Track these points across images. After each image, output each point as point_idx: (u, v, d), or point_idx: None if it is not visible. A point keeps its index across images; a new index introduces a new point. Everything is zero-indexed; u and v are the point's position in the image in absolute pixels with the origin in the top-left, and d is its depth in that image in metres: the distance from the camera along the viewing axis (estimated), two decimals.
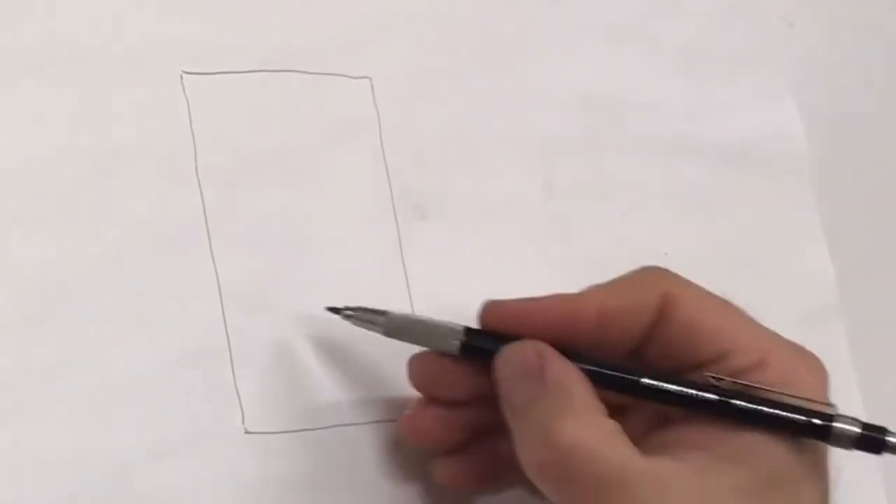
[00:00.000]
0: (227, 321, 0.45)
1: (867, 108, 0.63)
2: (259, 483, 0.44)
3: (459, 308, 0.44)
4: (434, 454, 0.46)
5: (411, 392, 0.46)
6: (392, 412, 0.47)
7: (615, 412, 0.43)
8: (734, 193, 0.57)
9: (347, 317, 0.45)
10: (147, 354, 0.43)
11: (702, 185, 0.57)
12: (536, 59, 0.54)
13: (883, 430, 0.42)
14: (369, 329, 0.45)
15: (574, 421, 0.41)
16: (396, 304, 0.48)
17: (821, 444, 0.42)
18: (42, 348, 0.42)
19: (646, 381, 0.43)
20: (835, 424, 0.42)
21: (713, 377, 0.42)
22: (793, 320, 0.56)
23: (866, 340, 0.58)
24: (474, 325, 0.44)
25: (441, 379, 0.44)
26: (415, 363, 0.45)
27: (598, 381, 0.43)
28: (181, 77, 0.46)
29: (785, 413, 0.42)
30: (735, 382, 0.42)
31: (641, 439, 0.42)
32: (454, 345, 0.44)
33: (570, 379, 0.42)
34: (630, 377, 0.43)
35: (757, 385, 0.42)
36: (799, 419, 0.42)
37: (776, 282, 0.57)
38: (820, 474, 0.43)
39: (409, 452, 0.47)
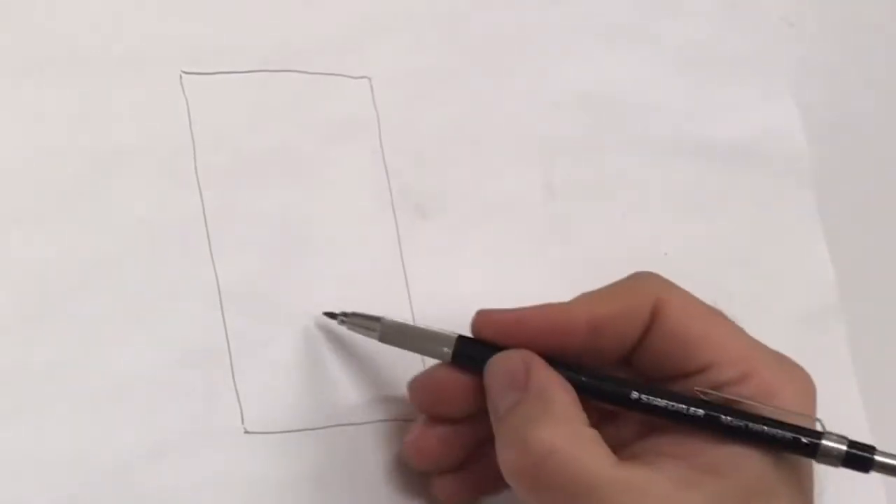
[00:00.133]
0: (227, 321, 0.45)
1: (867, 108, 0.63)
2: (259, 483, 0.44)
3: (458, 308, 0.45)
4: (433, 473, 0.46)
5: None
6: (392, 412, 0.47)
7: (605, 418, 0.44)
8: (734, 193, 0.57)
9: (342, 322, 0.46)
10: (147, 354, 0.43)
11: (702, 185, 0.57)
12: (536, 59, 0.54)
13: (871, 449, 0.42)
14: (364, 334, 0.45)
15: (552, 428, 0.41)
16: (396, 303, 0.48)
17: (803, 458, 0.42)
18: (42, 348, 0.42)
19: (634, 394, 0.43)
20: (823, 442, 0.42)
21: (701, 391, 0.42)
22: (793, 320, 0.57)
23: (866, 340, 0.58)
24: (473, 324, 0.44)
25: (440, 395, 0.45)
26: (414, 383, 0.45)
27: (586, 392, 0.43)
28: (181, 77, 0.46)
29: (773, 430, 0.42)
30: (723, 398, 0.42)
31: (628, 446, 0.43)
32: (446, 353, 0.44)
33: (553, 387, 0.42)
34: (618, 389, 0.43)
35: (743, 399, 0.42)
36: (786, 436, 0.42)
37: (776, 282, 0.57)
38: (800, 489, 0.43)
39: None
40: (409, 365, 0.46)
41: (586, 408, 0.43)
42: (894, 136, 0.63)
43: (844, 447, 0.42)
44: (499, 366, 0.43)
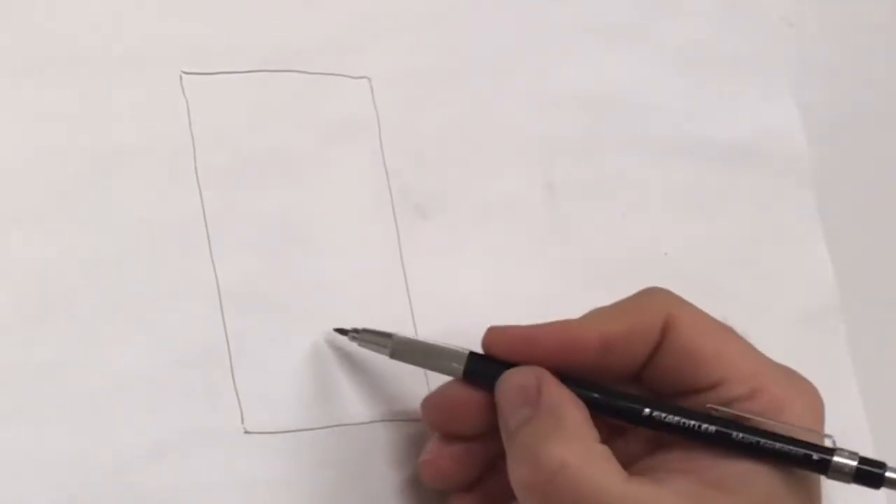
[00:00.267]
0: (227, 321, 0.45)
1: (867, 108, 0.63)
2: (259, 483, 0.44)
3: (459, 308, 0.45)
4: (449, 492, 0.46)
5: (412, 392, 0.46)
6: (392, 412, 0.47)
7: (614, 433, 0.44)
8: (734, 193, 0.57)
9: (353, 338, 0.46)
10: (147, 354, 0.43)
11: (702, 185, 0.57)
12: (536, 59, 0.54)
13: (882, 465, 0.42)
14: (375, 350, 0.45)
15: (563, 444, 0.41)
16: (396, 303, 0.48)
17: (812, 474, 0.42)
18: (42, 348, 0.42)
19: (646, 411, 0.43)
20: (834, 459, 0.42)
21: (713, 408, 0.43)
22: (793, 320, 0.57)
23: (866, 340, 0.58)
24: (474, 325, 0.44)
25: (452, 412, 0.45)
26: (427, 402, 0.45)
27: (598, 408, 0.43)
28: (181, 77, 0.46)
29: (785, 447, 0.42)
30: (734, 414, 0.42)
31: (637, 461, 0.43)
32: (457, 369, 0.44)
33: (565, 404, 0.42)
34: (630, 406, 0.43)
35: (753, 416, 0.42)
36: (798, 453, 0.42)
37: (776, 282, 0.57)
38: None
39: (408, 452, 0.47)
40: (408, 365, 0.46)
41: (596, 424, 0.43)
42: (894, 136, 0.63)
43: (855, 463, 0.42)
44: (510, 382, 0.43)
